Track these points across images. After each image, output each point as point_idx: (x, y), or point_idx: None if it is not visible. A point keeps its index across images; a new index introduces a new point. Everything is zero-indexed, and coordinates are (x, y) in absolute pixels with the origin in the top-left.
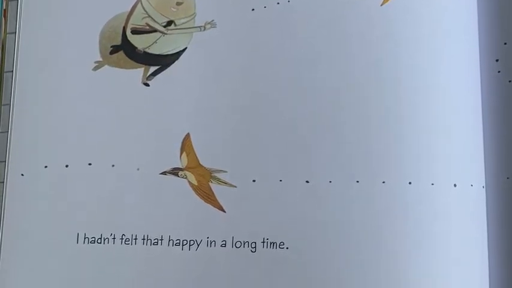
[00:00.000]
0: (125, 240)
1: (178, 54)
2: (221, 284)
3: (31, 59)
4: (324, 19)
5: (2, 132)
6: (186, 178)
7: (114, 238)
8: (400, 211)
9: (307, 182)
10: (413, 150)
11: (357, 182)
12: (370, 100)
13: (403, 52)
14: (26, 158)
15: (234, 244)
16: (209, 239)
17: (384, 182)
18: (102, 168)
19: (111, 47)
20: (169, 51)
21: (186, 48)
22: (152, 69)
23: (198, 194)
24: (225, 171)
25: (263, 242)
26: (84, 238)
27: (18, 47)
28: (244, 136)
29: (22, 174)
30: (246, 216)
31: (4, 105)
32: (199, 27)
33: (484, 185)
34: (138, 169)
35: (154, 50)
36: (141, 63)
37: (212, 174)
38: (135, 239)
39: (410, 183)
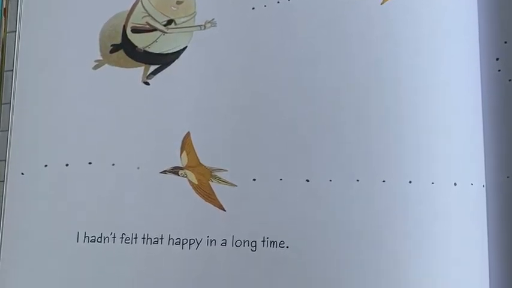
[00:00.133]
0: (125, 239)
1: (178, 53)
2: (221, 283)
3: (31, 58)
4: (324, 18)
5: (2, 131)
6: (186, 177)
7: (114, 237)
8: (400, 210)
9: (307, 181)
10: (414, 149)
11: (357, 181)
12: (370, 99)
13: (403, 51)
14: (26, 157)
15: (234, 243)
16: (209, 238)
17: (384, 181)
18: (102, 167)
19: (111, 45)
20: (169, 50)
21: (186, 47)
22: (152, 68)
23: (198, 193)
24: (225, 170)
25: (263, 241)
26: (85, 237)
27: (18, 46)
28: (245, 135)
29: (22, 173)
30: (246, 215)
31: (4, 104)
32: (199, 26)
33: (484, 184)
34: (138, 168)
35: (155, 49)
36: (141, 62)
37: (212, 173)
38: (135, 238)
39: (410, 182)
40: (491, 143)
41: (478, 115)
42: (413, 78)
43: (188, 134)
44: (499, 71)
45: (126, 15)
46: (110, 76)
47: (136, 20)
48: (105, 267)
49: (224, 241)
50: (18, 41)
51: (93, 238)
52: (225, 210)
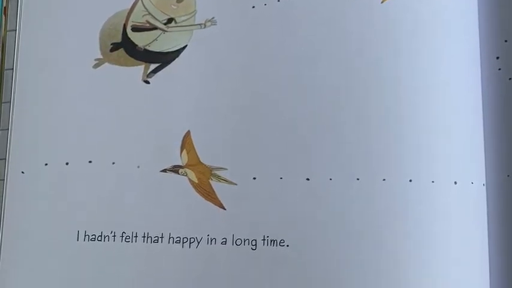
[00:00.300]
0: (125, 238)
1: (178, 52)
2: (221, 282)
3: (31, 57)
4: (324, 17)
5: (2, 129)
6: (186, 176)
7: (114, 236)
8: (401, 209)
9: (307, 179)
10: (414, 147)
11: (357, 179)
12: (370, 98)
13: (403, 50)
14: (26, 156)
15: (234, 242)
16: (209, 237)
17: (384, 180)
18: (103, 166)
19: (111, 44)
20: (169, 48)
21: (186, 45)
22: (152, 66)
23: (199, 192)
24: (226, 169)
25: (263, 239)
26: (85, 236)
27: (19, 44)
28: (245, 133)
29: (22, 172)
30: (246, 214)
31: (4, 102)
32: (199, 24)
33: (485, 182)
34: (138, 167)
35: (155, 48)
36: (141, 60)
37: (212, 172)
38: (136, 236)
39: (410, 180)
40: (492, 141)
41: (478, 114)
42: (413, 76)
43: (188, 132)
44: (499, 69)
45: (126, 14)
46: (110, 75)
47: (137, 18)
48: (105, 266)
49: (224, 240)
50: (18, 40)
51: (93, 237)
52: (225, 209)
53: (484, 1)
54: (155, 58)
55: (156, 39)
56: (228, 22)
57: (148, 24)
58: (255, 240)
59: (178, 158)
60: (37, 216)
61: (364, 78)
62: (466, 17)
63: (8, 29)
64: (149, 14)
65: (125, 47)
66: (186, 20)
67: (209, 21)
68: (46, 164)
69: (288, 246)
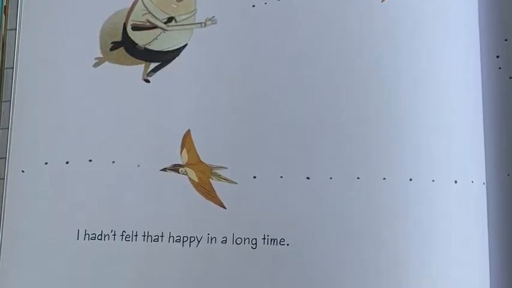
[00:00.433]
0: (125, 237)
1: (178, 51)
2: (221, 281)
3: (31, 56)
4: (325, 16)
5: (2, 128)
6: (186, 174)
7: (114, 234)
8: (401, 208)
9: (307, 178)
10: (414, 146)
11: (358, 178)
12: (371, 97)
13: (403, 49)
14: (26, 155)
15: (234, 241)
16: (210, 236)
17: (384, 179)
18: (103, 165)
19: (111, 43)
20: (169, 47)
21: (186, 44)
22: (153, 65)
23: (199, 191)
24: (226, 168)
25: (264, 238)
26: (85, 235)
27: (19, 43)
28: (245, 132)
29: (22, 171)
30: (246, 213)
31: (4, 101)
32: (199, 23)
33: (485, 181)
34: (138, 166)
35: (155, 47)
36: (141, 59)
37: (213, 171)
38: (136, 235)
39: (411, 179)
40: (492, 140)
41: (478, 113)
42: (413, 75)
43: (188, 131)
44: (500, 68)
45: (126, 13)
46: (110, 74)
47: (137, 17)
48: (105, 265)
49: (224, 239)
50: (18, 39)
51: (94, 236)
52: (225, 208)
53: (484, 0)
54: (155, 57)
55: (156, 38)
56: (228, 21)
57: (148, 23)
58: (255, 239)
59: (179, 157)
60: (37, 215)
61: (364, 77)
62: (466, 16)
63: (8, 28)
64: (149, 13)
65: (125, 46)
66: (186, 19)
67: (209, 20)
68: (46, 163)
69: (288, 245)
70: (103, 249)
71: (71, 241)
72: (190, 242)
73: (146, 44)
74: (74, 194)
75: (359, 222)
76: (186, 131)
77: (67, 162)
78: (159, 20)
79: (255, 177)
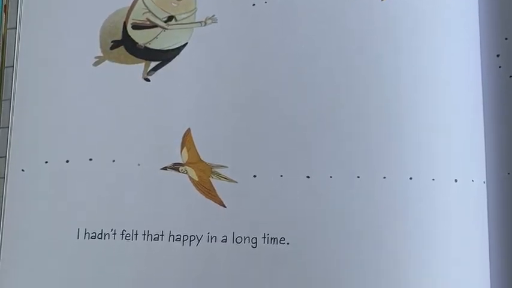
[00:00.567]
0: (126, 236)
1: (179, 50)
2: (222, 280)
3: (31, 55)
4: (325, 14)
5: (2, 127)
6: (186, 173)
7: (114, 233)
8: (401, 206)
9: (307, 177)
10: (414, 145)
11: (358, 177)
12: (371, 95)
13: (403, 48)
14: (26, 154)
15: (234, 240)
16: (210, 235)
17: (384, 178)
18: (103, 164)
19: (111, 42)
20: (170, 46)
21: (186, 43)
22: (153, 64)
23: (199, 190)
24: (226, 167)
25: (264, 237)
26: (85, 234)
27: (19, 42)
28: (245, 131)
29: (22, 170)
30: (246, 212)
31: (4, 100)
32: (199, 22)
33: (485, 180)
34: (138, 164)
35: (155, 45)
36: (141, 58)
37: (213, 170)
38: (136, 234)
39: (411, 178)
40: (492, 139)
41: (478, 111)
42: (413, 74)
43: (189, 130)
44: (500, 67)
45: (126, 12)
46: (111, 72)
47: (137, 16)
48: (105, 264)
49: (225, 238)
50: (18, 38)
51: (94, 235)
52: (225, 207)
53: None
54: (155, 56)
55: (156, 37)
56: (229, 20)
57: (148, 22)
58: (255, 238)
59: (179, 156)
60: (37, 214)
61: (365, 76)
62: (466, 14)
63: (8, 26)
64: (149, 11)
65: (125, 44)
66: (186, 17)
67: (209, 18)
68: (46, 162)
69: (288, 244)
70: (103, 249)
71: (71, 240)
72: (190, 241)
73: (146, 43)
74: (74, 193)
75: (359, 221)
76: (186, 129)
77: (67, 161)
78: (159, 18)
79: (255, 176)
